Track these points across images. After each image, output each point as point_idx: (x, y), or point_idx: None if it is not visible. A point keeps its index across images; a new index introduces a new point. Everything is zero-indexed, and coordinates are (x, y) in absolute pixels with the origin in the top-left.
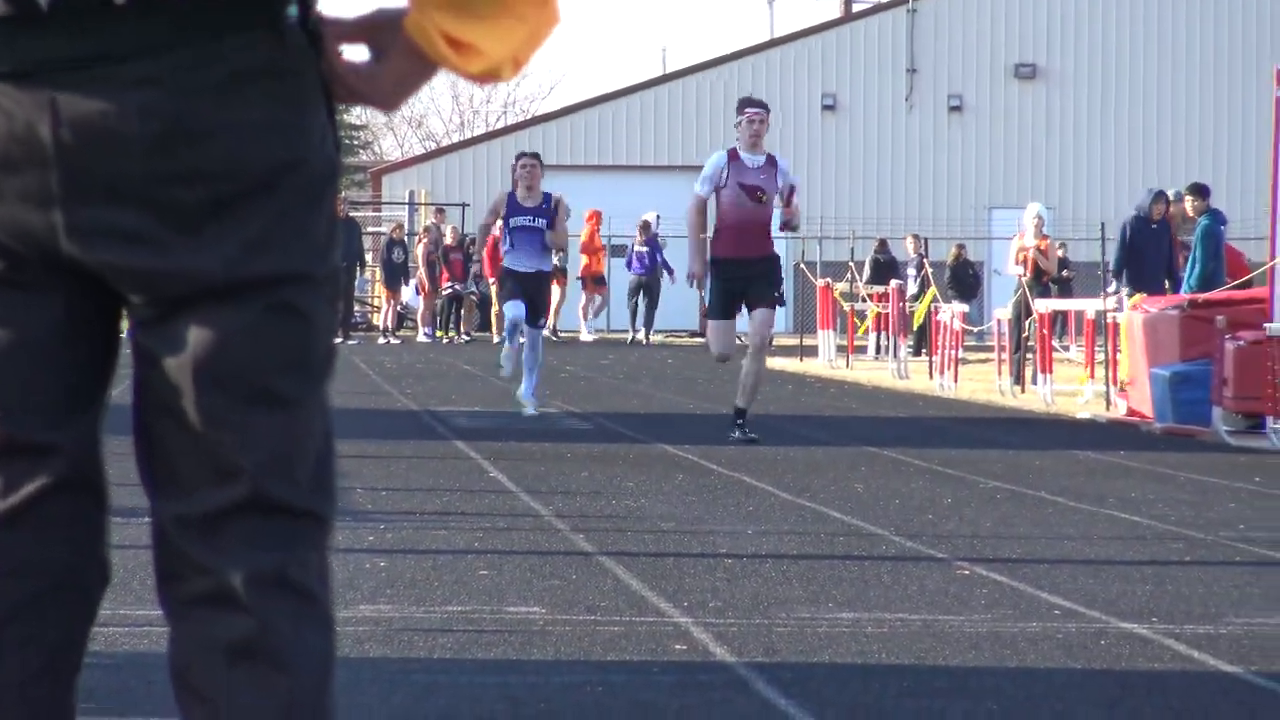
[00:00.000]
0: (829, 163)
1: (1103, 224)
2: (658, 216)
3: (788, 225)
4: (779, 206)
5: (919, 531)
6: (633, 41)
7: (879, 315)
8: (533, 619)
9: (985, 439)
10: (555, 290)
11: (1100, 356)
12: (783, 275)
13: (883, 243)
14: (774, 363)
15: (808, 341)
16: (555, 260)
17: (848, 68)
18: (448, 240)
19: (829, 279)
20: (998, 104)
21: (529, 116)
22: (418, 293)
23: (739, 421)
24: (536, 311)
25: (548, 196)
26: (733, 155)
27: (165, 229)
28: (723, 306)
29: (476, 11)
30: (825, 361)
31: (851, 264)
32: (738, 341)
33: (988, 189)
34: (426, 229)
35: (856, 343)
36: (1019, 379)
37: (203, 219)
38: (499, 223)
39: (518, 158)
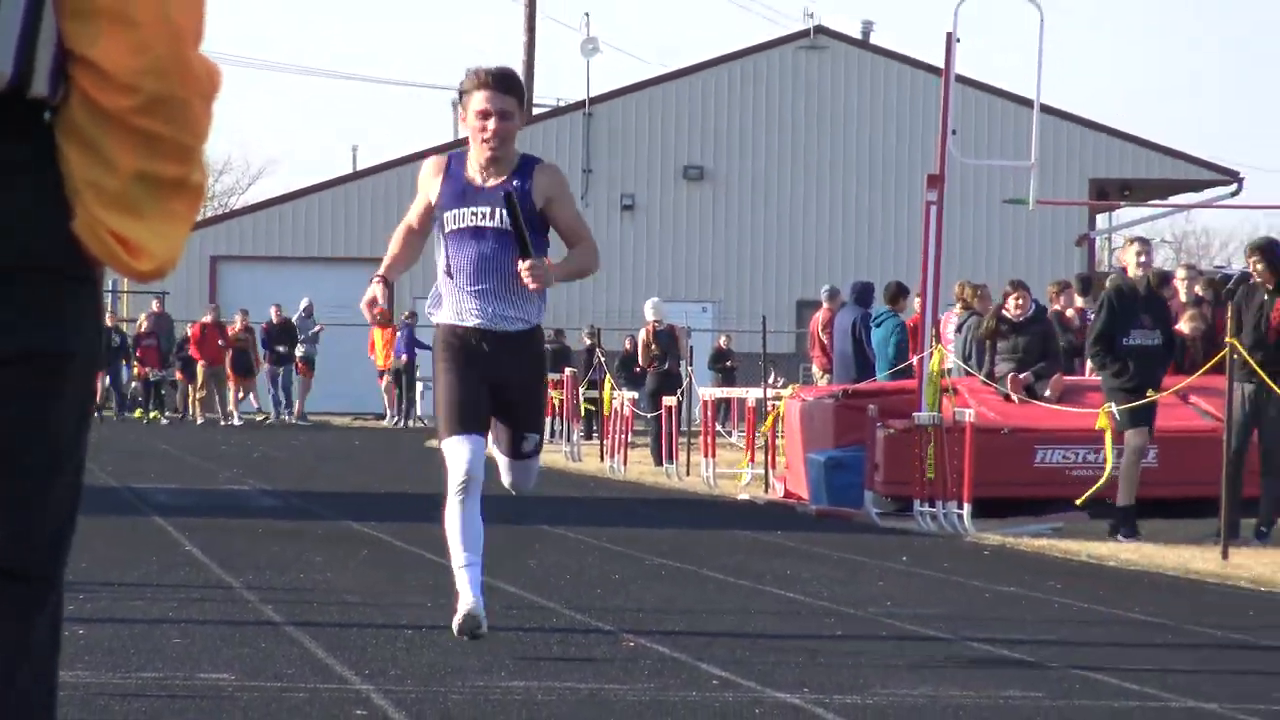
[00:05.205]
0: None
1: (764, 317)
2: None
3: None
4: None
5: (588, 605)
6: (327, 140)
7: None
8: (223, 685)
9: (652, 518)
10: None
11: (760, 441)
12: None
13: (558, 332)
14: None
15: None
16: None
17: None
18: (141, 327)
19: None
20: (667, 203)
21: (226, 210)
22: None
23: None
24: (518, 420)
25: (527, 164)
26: None
27: None
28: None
29: (140, 211)
30: None
31: None
32: None
33: (657, 283)
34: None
35: None
36: (659, 460)
37: None
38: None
39: (465, 83)
